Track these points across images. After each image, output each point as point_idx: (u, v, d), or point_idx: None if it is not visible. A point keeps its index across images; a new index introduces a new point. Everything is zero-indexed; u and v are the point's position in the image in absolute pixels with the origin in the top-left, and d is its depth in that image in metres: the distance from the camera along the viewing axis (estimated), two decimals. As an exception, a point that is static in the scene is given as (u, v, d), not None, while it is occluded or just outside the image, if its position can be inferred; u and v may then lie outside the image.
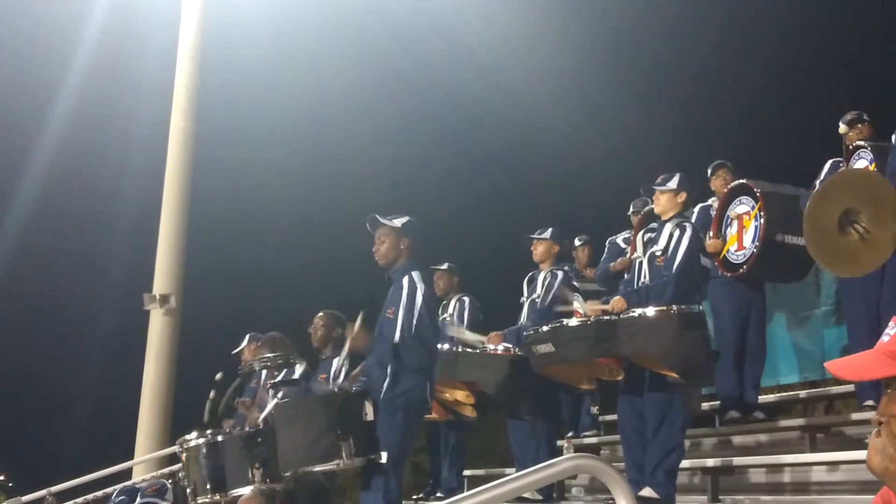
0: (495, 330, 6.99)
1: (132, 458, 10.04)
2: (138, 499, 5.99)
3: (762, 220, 6.62)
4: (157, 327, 10.77)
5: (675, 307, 5.36)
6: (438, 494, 7.64)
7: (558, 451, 6.81)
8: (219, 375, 7.10)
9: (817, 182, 6.39)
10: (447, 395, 6.85)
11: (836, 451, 5.94)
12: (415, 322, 5.31)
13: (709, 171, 7.37)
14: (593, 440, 8.48)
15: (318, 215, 22.60)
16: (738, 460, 6.31)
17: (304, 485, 5.75)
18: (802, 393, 8.19)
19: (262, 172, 21.50)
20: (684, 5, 20.31)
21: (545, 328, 5.85)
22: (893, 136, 6.02)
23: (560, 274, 6.76)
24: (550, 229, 6.90)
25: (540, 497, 6.62)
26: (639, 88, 21.13)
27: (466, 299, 7.58)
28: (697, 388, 6.67)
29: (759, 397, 7.26)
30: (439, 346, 6.13)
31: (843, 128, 6.32)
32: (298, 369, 6.76)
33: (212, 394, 6.87)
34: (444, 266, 7.72)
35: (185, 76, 11.45)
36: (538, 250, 6.87)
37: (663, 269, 5.54)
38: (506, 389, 6.51)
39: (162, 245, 11.04)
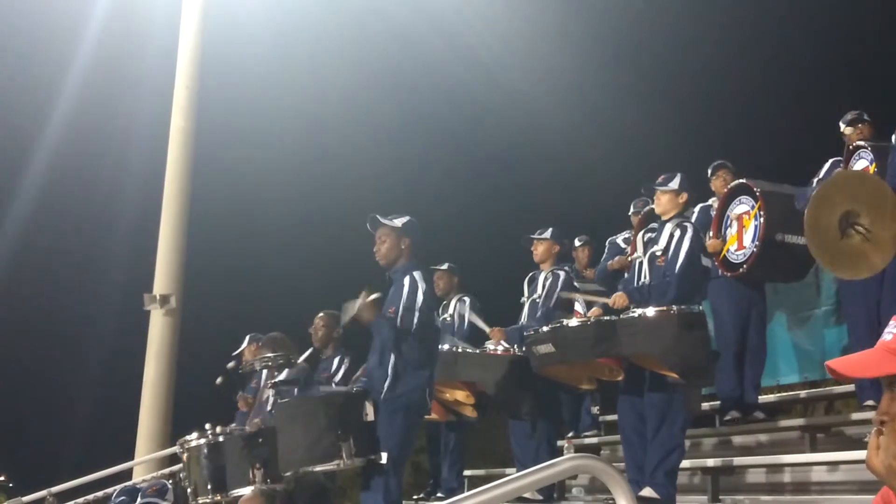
0: (491, 329, 7.00)
1: (132, 459, 10.04)
2: (139, 499, 6.00)
3: (762, 220, 6.63)
4: (158, 328, 10.78)
5: (674, 307, 5.37)
6: (439, 494, 7.64)
7: (558, 452, 6.81)
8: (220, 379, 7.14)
9: (815, 181, 6.40)
10: (447, 395, 6.85)
11: (836, 451, 5.94)
12: (416, 321, 5.31)
13: (709, 172, 7.37)
14: (593, 440, 8.48)
15: (318, 215, 22.60)
16: (738, 460, 6.32)
17: (305, 485, 5.76)
18: (803, 393, 8.19)
19: (262, 172, 21.50)
20: (684, 5, 20.32)
21: (545, 328, 5.86)
22: (893, 137, 6.02)
23: (561, 274, 6.75)
24: (550, 229, 6.90)
25: (540, 497, 6.62)
26: (639, 88, 21.14)
27: (467, 299, 7.58)
28: (697, 389, 6.67)
29: (760, 397, 7.26)
30: (440, 346, 6.13)
31: (846, 129, 6.33)
32: (299, 369, 6.76)
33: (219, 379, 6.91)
34: (445, 266, 7.72)
35: (185, 76, 11.46)
36: (538, 250, 6.87)
37: (665, 269, 5.54)
38: (506, 389, 6.51)
39: (162, 245, 11.04)
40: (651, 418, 5.51)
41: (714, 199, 7.32)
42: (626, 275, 6.17)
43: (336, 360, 6.67)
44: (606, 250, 8.01)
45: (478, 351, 6.76)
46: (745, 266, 6.74)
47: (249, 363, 7.40)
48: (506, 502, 2.46)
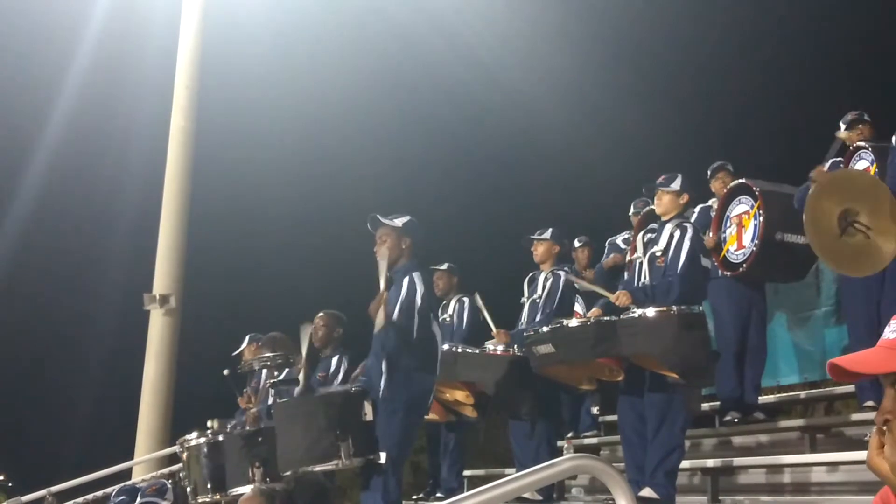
0: (496, 330, 6.99)
1: (132, 459, 10.05)
2: (138, 498, 6.00)
3: (761, 219, 6.62)
4: (157, 327, 10.78)
5: (674, 308, 5.37)
6: (438, 494, 7.64)
7: (558, 452, 6.81)
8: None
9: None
10: (447, 395, 6.85)
11: (836, 452, 5.94)
12: (416, 325, 5.30)
13: (708, 173, 7.36)
14: (593, 441, 8.48)
15: (318, 215, 22.60)
16: (738, 461, 6.32)
17: (305, 484, 5.75)
18: (802, 393, 8.18)
19: (262, 172, 21.49)
20: (684, 5, 20.31)
21: (545, 328, 5.86)
22: (894, 137, 6.02)
23: (562, 275, 6.75)
24: (551, 230, 6.89)
25: (540, 497, 6.62)
26: (639, 88, 21.13)
27: (466, 300, 7.58)
28: (697, 389, 6.67)
29: (760, 398, 7.25)
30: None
31: (843, 132, 6.33)
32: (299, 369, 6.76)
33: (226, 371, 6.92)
34: (444, 266, 7.72)
35: (185, 75, 11.46)
36: (539, 251, 6.86)
37: (666, 269, 5.53)
38: (506, 389, 6.51)
39: (162, 245, 11.05)
40: (651, 418, 5.51)
41: (714, 199, 7.31)
42: (625, 275, 6.16)
43: (335, 360, 6.66)
44: (606, 251, 8.01)
45: (478, 351, 6.76)
46: (744, 265, 6.73)
47: (248, 363, 7.40)
48: (505, 502, 2.46)
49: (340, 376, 6.46)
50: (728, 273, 6.85)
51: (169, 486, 6.28)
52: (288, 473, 5.42)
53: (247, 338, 8.02)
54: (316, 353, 6.83)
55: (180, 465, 6.97)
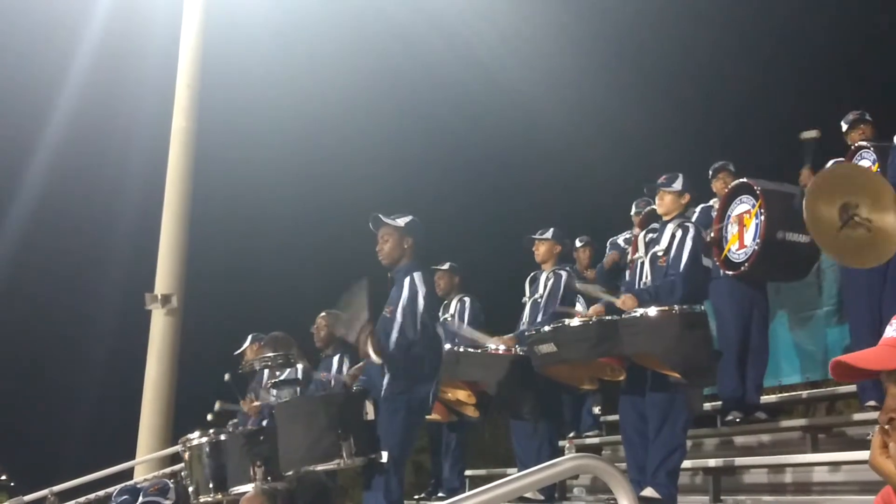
0: (496, 329, 6.99)
1: (133, 458, 10.05)
2: (140, 498, 6.00)
3: (763, 218, 6.62)
4: (159, 327, 10.78)
5: (676, 307, 5.37)
6: (440, 494, 7.64)
7: (560, 452, 6.81)
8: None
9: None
10: (449, 394, 6.85)
11: (837, 452, 5.95)
12: (418, 327, 5.29)
13: (710, 173, 7.36)
14: (595, 440, 8.48)
15: (318, 215, 22.60)
16: (739, 461, 6.32)
17: (306, 484, 5.76)
18: (804, 393, 8.19)
19: (263, 172, 21.50)
20: (684, 5, 20.30)
21: (547, 328, 5.85)
22: (895, 137, 6.03)
23: (563, 275, 6.74)
24: (552, 229, 6.89)
25: (542, 497, 6.62)
26: (639, 88, 21.11)
27: (467, 299, 7.58)
28: (699, 388, 6.68)
29: (761, 397, 7.25)
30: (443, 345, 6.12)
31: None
32: (300, 368, 6.76)
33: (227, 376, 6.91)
34: (446, 266, 7.72)
35: (186, 75, 11.46)
36: (540, 251, 6.87)
37: (668, 269, 5.54)
38: (507, 389, 6.51)
39: (163, 245, 11.05)
40: (653, 418, 5.51)
41: (715, 199, 7.31)
42: (626, 275, 6.16)
43: (336, 360, 6.67)
44: (607, 251, 8.01)
45: (479, 351, 6.76)
46: (746, 265, 6.73)
47: (249, 363, 7.40)
48: (507, 502, 2.47)
49: (343, 373, 6.46)
50: (730, 272, 6.85)
51: (171, 485, 6.28)
52: (290, 473, 5.41)
53: (249, 337, 8.02)
54: (318, 354, 6.83)
55: (182, 464, 6.97)
